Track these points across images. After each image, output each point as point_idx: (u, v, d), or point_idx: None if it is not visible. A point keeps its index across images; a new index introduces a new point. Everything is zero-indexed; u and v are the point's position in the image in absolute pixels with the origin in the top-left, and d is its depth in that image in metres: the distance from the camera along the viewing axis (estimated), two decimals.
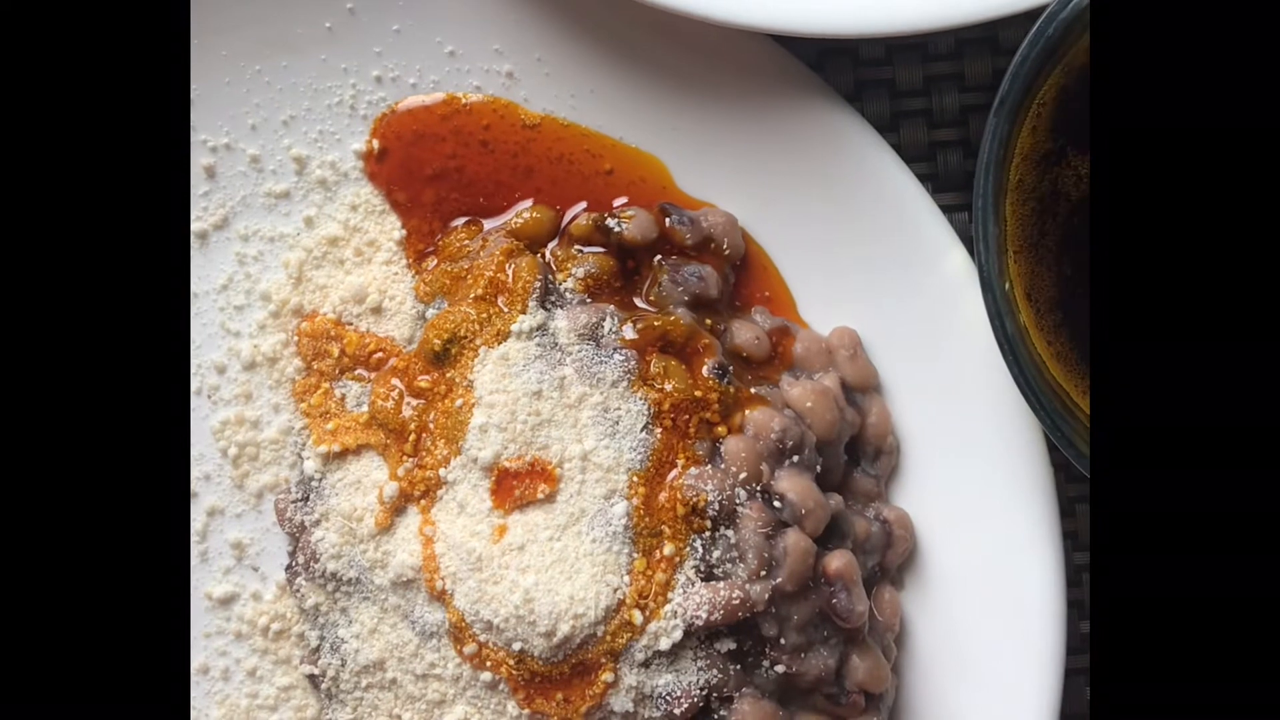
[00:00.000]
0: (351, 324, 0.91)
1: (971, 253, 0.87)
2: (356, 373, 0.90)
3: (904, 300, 0.90)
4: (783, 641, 0.82)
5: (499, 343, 0.84)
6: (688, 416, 0.83)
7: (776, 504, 0.83)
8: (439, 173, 0.91)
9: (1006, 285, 0.80)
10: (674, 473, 0.82)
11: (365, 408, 0.88)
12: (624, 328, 0.85)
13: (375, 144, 0.91)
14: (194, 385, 0.91)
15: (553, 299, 0.87)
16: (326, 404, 0.89)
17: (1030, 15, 0.82)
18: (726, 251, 0.90)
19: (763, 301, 0.92)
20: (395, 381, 0.86)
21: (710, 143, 0.91)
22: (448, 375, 0.85)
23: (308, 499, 0.87)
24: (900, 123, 0.95)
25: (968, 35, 0.95)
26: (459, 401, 0.84)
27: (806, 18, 0.85)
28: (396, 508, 0.85)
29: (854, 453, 0.90)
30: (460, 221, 0.92)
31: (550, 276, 0.87)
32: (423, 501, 0.84)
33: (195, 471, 0.91)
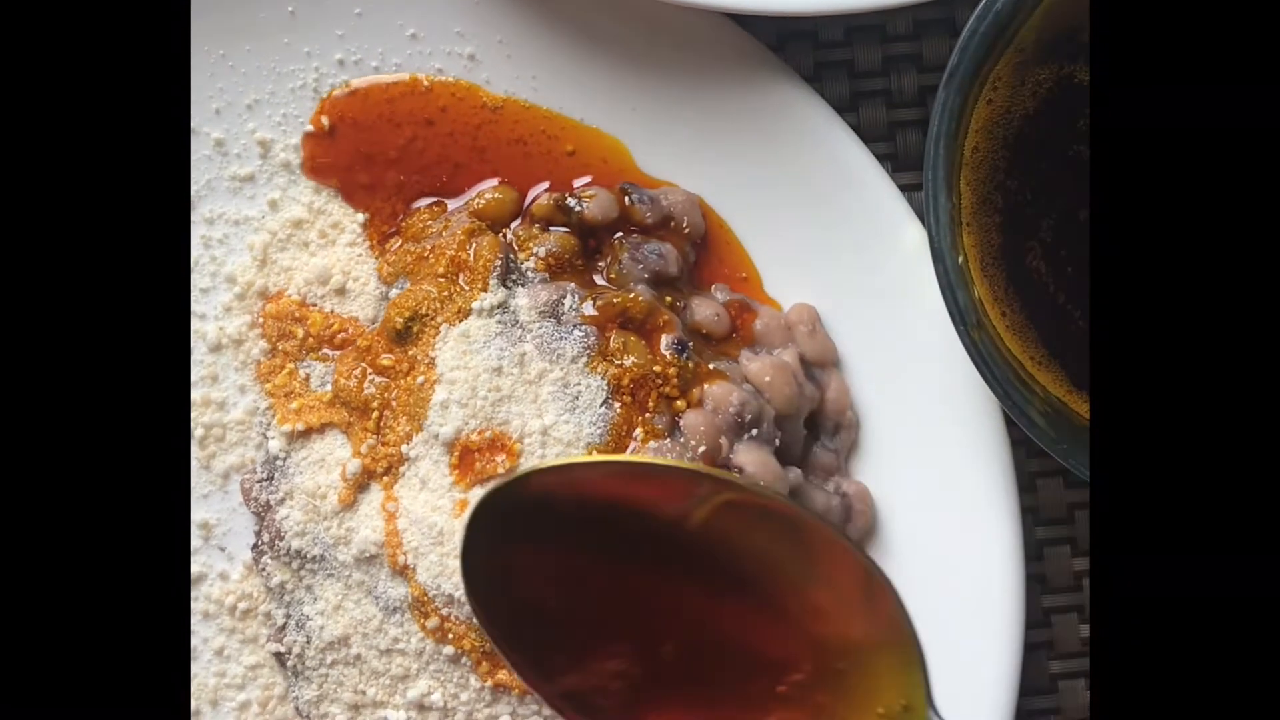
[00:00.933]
0: (316, 305, 0.91)
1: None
2: (321, 353, 0.90)
3: (863, 277, 0.91)
4: None
5: (460, 320, 0.85)
6: (647, 391, 0.84)
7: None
8: (401, 154, 0.92)
9: (960, 258, 0.81)
10: (633, 446, 0.83)
11: (329, 387, 0.88)
12: (584, 305, 0.86)
13: (325, 120, 0.92)
14: None
15: (514, 277, 0.87)
16: (291, 384, 0.90)
17: None
18: (686, 230, 0.90)
19: (734, 280, 0.92)
20: (358, 360, 0.87)
21: (671, 124, 0.92)
22: (410, 353, 0.86)
23: (273, 478, 0.88)
24: (859, 103, 0.95)
25: (925, 16, 0.95)
26: (420, 379, 0.85)
27: None
28: (359, 484, 0.85)
29: (813, 428, 0.90)
30: (424, 203, 0.92)
31: (512, 255, 0.88)
32: (385, 478, 0.85)
33: None
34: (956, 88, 0.79)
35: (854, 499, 0.89)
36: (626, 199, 0.90)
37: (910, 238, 0.90)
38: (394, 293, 0.89)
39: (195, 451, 0.92)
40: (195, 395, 0.92)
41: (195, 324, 0.92)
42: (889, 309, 0.91)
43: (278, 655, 0.89)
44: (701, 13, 0.89)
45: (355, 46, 0.92)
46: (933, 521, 0.90)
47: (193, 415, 0.92)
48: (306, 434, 0.88)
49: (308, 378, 0.90)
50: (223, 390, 0.92)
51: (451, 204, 0.92)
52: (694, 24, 0.90)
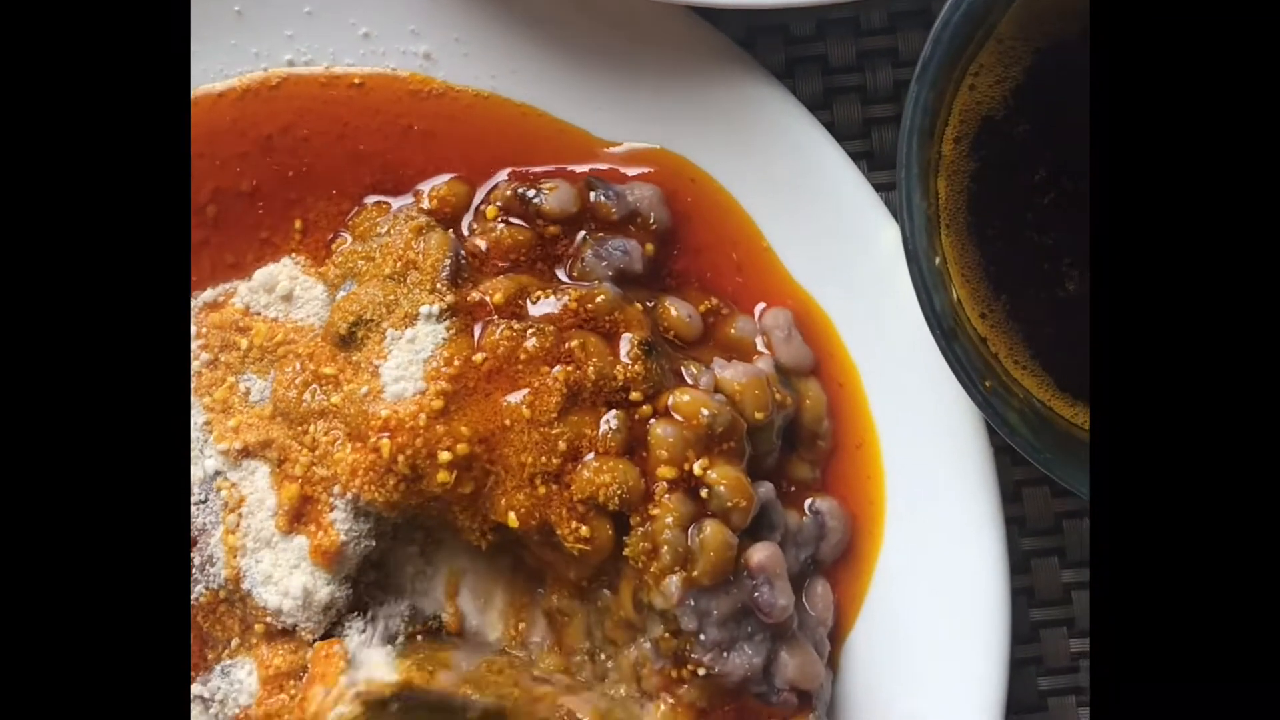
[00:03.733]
0: (260, 313, 0.87)
1: None
2: (263, 364, 0.85)
3: (838, 279, 0.87)
4: (703, 638, 0.79)
5: (407, 325, 0.81)
6: (608, 397, 0.79)
7: (703, 493, 0.79)
8: (350, 151, 0.87)
9: (937, 260, 0.77)
10: (587, 458, 0.78)
11: (268, 401, 0.83)
12: (543, 301, 0.81)
13: None
14: None
15: (465, 275, 0.83)
16: (230, 398, 0.85)
17: None
18: (653, 226, 0.86)
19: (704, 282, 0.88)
20: (298, 368, 0.82)
21: (637, 122, 0.88)
22: (354, 360, 0.81)
23: (207, 500, 0.83)
24: (833, 100, 0.92)
25: (900, 9, 0.92)
26: (364, 388, 0.80)
27: None
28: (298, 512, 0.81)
29: (788, 438, 0.86)
30: (372, 200, 0.88)
31: (462, 254, 0.83)
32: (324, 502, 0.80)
33: None
34: (930, 81, 0.75)
35: (827, 515, 0.85)
36: (591, 194, 0.86)
37: (887, 238, 0.86)
38: (340, 295, 0.84)
39: None
40: None
41: None
42: (866, 311, 0.87)
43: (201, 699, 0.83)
44: (668, 8, 0.86)
45: (305, 47, 0.88)
46: (913, 534, 0.86)
47: None
48: (245, 452, 0.83)
49: (247, 392, 0.85)
50: None
51: (397, 201, 0.87)
52: (660, 20, 0.86)
